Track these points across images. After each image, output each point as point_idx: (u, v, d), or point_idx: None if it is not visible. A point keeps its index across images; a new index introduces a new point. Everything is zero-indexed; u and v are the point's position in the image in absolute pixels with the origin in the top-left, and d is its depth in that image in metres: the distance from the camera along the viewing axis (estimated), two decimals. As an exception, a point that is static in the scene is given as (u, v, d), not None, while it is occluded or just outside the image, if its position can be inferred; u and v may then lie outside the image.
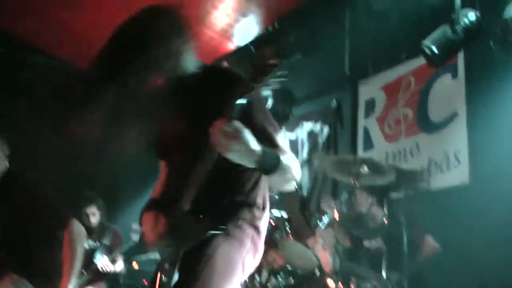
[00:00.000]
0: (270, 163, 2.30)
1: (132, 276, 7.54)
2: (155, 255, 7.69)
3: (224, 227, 2.42)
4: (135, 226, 6.71)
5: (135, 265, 7.60)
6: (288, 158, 2.40)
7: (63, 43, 8.08)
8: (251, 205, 2.57)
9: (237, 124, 2.19)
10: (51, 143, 7.88)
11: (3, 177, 3.88)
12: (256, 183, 2.58)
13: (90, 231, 6.17)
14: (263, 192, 2.66)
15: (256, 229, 2.56)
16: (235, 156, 2.22)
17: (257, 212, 2.59)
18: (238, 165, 2.32)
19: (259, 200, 2.62)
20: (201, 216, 2.41)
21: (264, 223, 2.63)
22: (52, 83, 8.08)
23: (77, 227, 3.81)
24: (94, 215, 6.36)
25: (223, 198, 2.50)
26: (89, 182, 7.18)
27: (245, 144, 2.19)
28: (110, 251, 6.25)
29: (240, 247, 2.47)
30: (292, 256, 4.98)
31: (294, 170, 2.44)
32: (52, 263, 3.87)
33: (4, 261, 3.80)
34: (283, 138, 2.54)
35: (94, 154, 8.60)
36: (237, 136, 2.17)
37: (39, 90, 8.12)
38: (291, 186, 2.51)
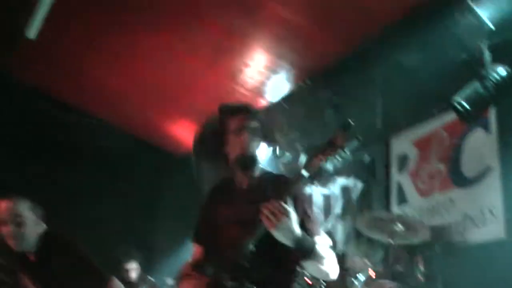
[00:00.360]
0: (307, 247, 2.55)
1: None
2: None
3: None
4: (169, 280, 6.73)
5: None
6: (325, 251, 2.65)
7: (99, 102, 8.31)
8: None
9: (286, 206, 2.48)
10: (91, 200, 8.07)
11: (43, 239, 3.95)
12: (294, 270, 2.78)
13: (130, 286, 6.20)
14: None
15: None
16: (278, 233, 2.48)
17: None
18: (281, 245, 2.54)
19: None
20: (241, 281, 2.57)
21: None
22: (89, 142, 8.31)
23: (118, 286, 3.86)
24: (134, 270, 6.39)
25: (263, 271, 2.63)
26: (128, 235, 7.23)
27: (289, 225, 2.47)
28: None
29: None
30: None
31: (328, 263, 2.66)
32: None
33: None
34: (323, 233, 2.79)
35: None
36: (283, 216, 2.45)
37: (77, 148, 8.34)
38: (328, 277, 2.70)
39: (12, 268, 4.10)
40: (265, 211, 2.46)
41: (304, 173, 2.49)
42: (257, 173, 2.93)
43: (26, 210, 3.92)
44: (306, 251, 2.54)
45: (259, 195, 2.66)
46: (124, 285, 4.03)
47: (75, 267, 3.81)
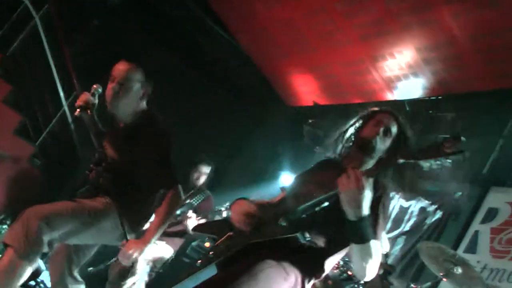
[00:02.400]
0: (363, 232, 2.54)
1: (198, 252, 7.76)
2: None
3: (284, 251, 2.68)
4: (222, 208, 6.88)
5: (207, 244, 7.80)
6: (375, 253, 2.60)
7: (247, 31, 8.49)
8: (322, 258, 2.82)
9: (366, 181, 2.51)
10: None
11: (140, 115, 4.02)
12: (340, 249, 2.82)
13: (190, 189, 6.41)
14: (333, 264, 2.93)
15: (304, 279, 2.74)
16: (345, 197, 2.53)
17: (318, 270, 2.82)
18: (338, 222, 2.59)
19: (328, 265, 2.86)
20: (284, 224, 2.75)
21: (310, 285, 2.82)
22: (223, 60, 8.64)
23: (180, 194, 3.86)
24: (203, 177, 6.58)
25: (314, 230, 2.75)
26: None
27: (359, 197, 2.49)
28: (196, 211, 6.34)
29: (284, 279, 2.64)
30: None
31: (371, 266, 2.62)
32: (145, 212, 4.05)
33: (107, 187, 3.93)
34: (384, 235, 2.73)
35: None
36: (358, 186, 2.49)
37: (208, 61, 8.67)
38: (363, 277, 2.69)
39: (101, 130, 4.30)
40: (345, 174, 2.52)
41: (400, 160, 2.53)
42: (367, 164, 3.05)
43: (138, 81, 3.98)
44: (361, 235, 2.54)
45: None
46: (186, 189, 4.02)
47: (152, 155, 3.83)
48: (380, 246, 2.71)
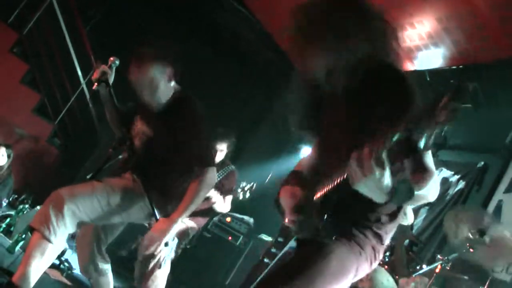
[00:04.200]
0: (401, 200, 2.25)
1: (220, 228, 7.79)
2: (249, 219, 7.92)
3: (348, 228, 2.49)
4: (243, 184, 6.81)
5: (228, 219, 7.82)
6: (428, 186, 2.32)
7: (266, 7, 8.45)
8: (380, 213, 2.57)
9: (381, 160, 2.02)
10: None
11: (176, 96, 3.93)
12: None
13: None
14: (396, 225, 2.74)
15: (380, 238, 2.57)
16: (362, 189, 2.18)
17: (384, 220, 2.58)
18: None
19: (389, 210, 2.60)
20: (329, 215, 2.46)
21: (389, 233, 2.63)
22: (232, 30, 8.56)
23: (213, 175, 3.78)
24: (222, 152, 6.39)
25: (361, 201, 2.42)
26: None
27: (375, 184, 2.12)
28: (218, 188, 6.12)
29: (359, 253, 2.51)
30: (378, 284, 5.00)
31: (430, 196, 2.37)
32: (175, 189, 3.90)
33: (138, 165, 3.87)
34: (430, 158, 2.45)
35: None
36: (371, 174, 2.05)
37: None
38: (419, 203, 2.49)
39: (117, 105, 4.12)
40: (354, 162, 2.07)
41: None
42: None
43: (159, 72, 3.79)
44: (402, 202, 2.30)
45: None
46: None
47: (187, 135, 3.77)
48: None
